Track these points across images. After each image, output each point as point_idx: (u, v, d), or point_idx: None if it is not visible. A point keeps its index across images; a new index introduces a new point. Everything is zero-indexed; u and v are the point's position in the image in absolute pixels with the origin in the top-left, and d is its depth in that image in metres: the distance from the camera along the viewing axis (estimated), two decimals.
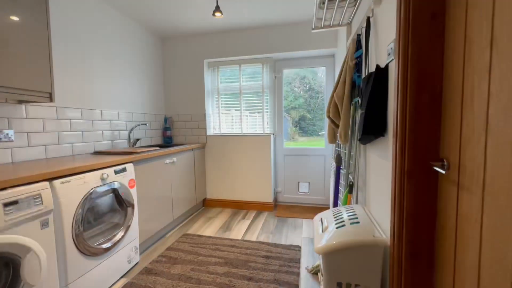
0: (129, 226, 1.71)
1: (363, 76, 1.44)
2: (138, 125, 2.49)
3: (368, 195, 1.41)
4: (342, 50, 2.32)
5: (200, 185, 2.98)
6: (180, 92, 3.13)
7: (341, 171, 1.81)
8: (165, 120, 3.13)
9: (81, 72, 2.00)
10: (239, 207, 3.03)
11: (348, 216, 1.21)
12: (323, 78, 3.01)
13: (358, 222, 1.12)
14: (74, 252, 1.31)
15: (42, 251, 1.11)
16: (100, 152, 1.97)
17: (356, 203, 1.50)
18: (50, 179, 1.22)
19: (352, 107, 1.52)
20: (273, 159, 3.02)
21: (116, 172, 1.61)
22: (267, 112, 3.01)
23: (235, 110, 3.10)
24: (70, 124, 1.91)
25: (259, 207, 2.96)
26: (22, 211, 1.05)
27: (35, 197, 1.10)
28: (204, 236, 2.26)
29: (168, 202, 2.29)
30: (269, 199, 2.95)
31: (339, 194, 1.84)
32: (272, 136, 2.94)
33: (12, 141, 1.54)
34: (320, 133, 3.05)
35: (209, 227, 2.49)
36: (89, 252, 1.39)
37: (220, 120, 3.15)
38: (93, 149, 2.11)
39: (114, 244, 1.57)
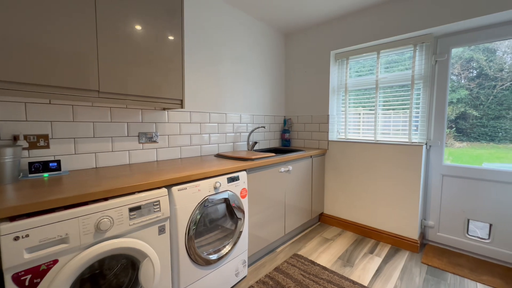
0: (238, 238, 1.60)
1: None
2: (257, 127, 2.43)
3: None
4: None
5: (317, 198, 2.58)
6: (301, 91, 2.84)
7: None
8: (284, 122, 2.96)
9: (210, 78, 2.12)
10: (364, 233, 2.38)
11: None
12: (508, 57, 1.77)
13: None
14: (186, 260, 1.30)
15: (156, 258, 1.12)
16: (221, 155, 2.02)
17: None
18: (168, 186, 1.24)
19: None
20: (423, 178, 2.13)
21: (229, 181, 1.53)
22: (417, 112, 2.14)
23: (364, 109, 2.44)
24: (199, 127, 2.07)
25: (395, 242, 2.19)
26: (144, 217, 1.09)
27: (154, 203, 1.13)
28: (318, 265, 1.86)
29: (281, 214, 2.06)
30: (413, 234, 2.10)
31: None
32: (424, 146, 2.06)
33: (157, 142, 1.79)
34: None
35: (325, 253, 2.06)
36: (200, 261, 1.36)
37: (347, 123, 2.59)
38: (217, 151, 2.22)
39: (223, 256, 1.50)
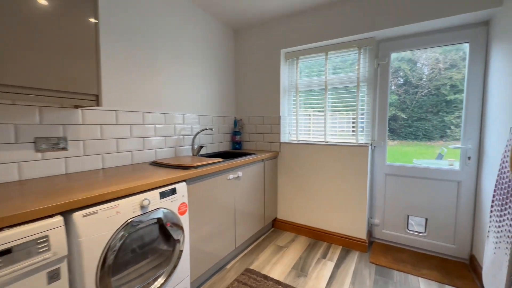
0: (178, 262, 1.33)
1: None
2: (204, 129, 2.17)
3: None
4: None
5: (270, 203, 2.45)
6: (252, 90, 2.68)
7: None
8: (235, 123, 2.76)
9: (144, 71, 1.78)
10: (317, 237, 2.34)
11: None
12: (425, 68, 2.01)
13: None
14: None
15: None
16: (157, 163, 1.70)
17: None
18: (68, 211, 0.91)
19: None
20: (370, 178, 2.18)
21: (162, 196, 1.25)
22: (362, 114, 2.18)
23: (314, 110, 2.41)
24: (130, 129, 1.71)
25: (346, 243, 2.19)
26: (17, 264, 0.74)
27: (38, 240, 0.79)
28: (272, 279, 1.71)
29: (230, 227, 1.85)
30: (361, 234, 2.13)
31: None
32: (369, 147, 2.10)
33: (67, 149, 1.38)
34: (450, 146, 2.00)
35: (278, 264, 1.92)
36: None
37: (298, 124, 2.52)
38: (154, 157, 1.88)
39: None
